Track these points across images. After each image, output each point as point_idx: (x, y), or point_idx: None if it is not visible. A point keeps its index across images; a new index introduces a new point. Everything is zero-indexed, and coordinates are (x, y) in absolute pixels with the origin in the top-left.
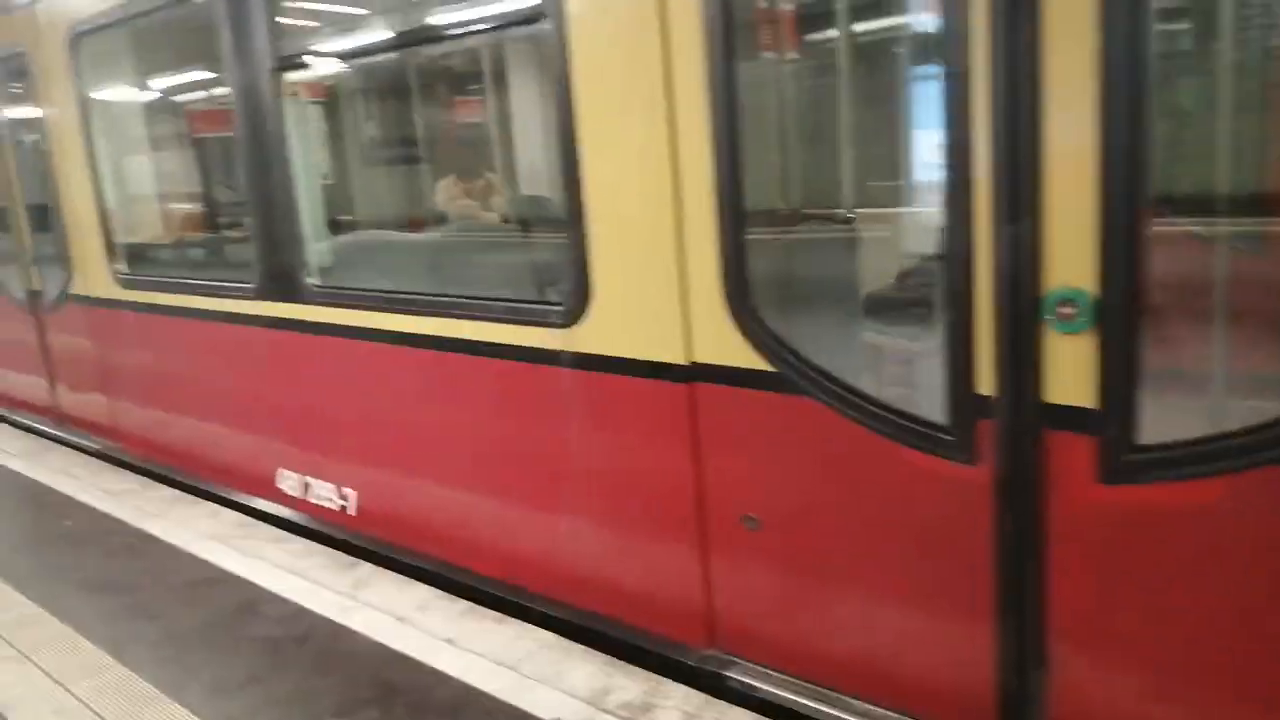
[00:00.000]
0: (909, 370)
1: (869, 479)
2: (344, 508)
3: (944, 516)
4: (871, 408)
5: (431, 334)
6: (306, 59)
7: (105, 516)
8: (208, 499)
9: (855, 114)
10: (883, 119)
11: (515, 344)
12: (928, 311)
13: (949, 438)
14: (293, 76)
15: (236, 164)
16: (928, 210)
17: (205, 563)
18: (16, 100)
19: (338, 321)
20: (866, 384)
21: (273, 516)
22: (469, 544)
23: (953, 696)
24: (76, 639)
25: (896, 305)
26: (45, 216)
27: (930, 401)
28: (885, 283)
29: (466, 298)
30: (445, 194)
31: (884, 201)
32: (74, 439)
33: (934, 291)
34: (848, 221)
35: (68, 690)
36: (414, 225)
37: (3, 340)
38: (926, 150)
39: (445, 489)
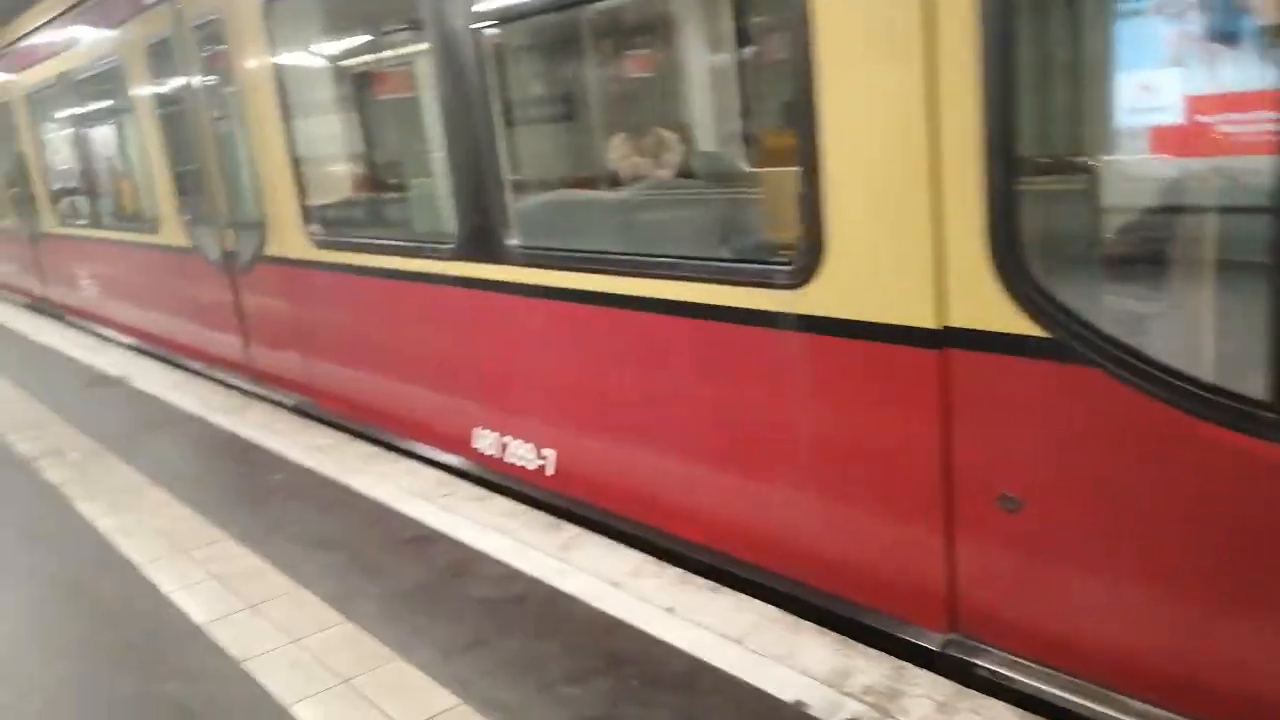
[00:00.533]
0: (1213, 337)
1: (1163, 460)
2: (542, 468)
3: (1260, 504)
4: (1173, 380)
5: (637, 295)
6: (507, 14)
7: (311, 472)
8: (405, 455)
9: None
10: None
11: (732, 305)
12: (1238, 271)
13: (1275, 415)
14: (491, 33)
15: (433, 124)
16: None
17: (414, 520)
18: (212, 67)
19: (538, 282)
20: (1156, 352)
21: (469, 474)
22: (677, 510)
23: (1267, 707)
24: (301, 593)
25: (1192, 263)
26: (237, 179)
27: (1248, 373)
28: (1172, 236)
29: (675, 257)
30: (616, 152)
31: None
32: (269, 395)
33: (1245, 247)
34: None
35: (299, 644)
36: (582, 185)
37: (199, 300)
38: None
39: (651, 453)
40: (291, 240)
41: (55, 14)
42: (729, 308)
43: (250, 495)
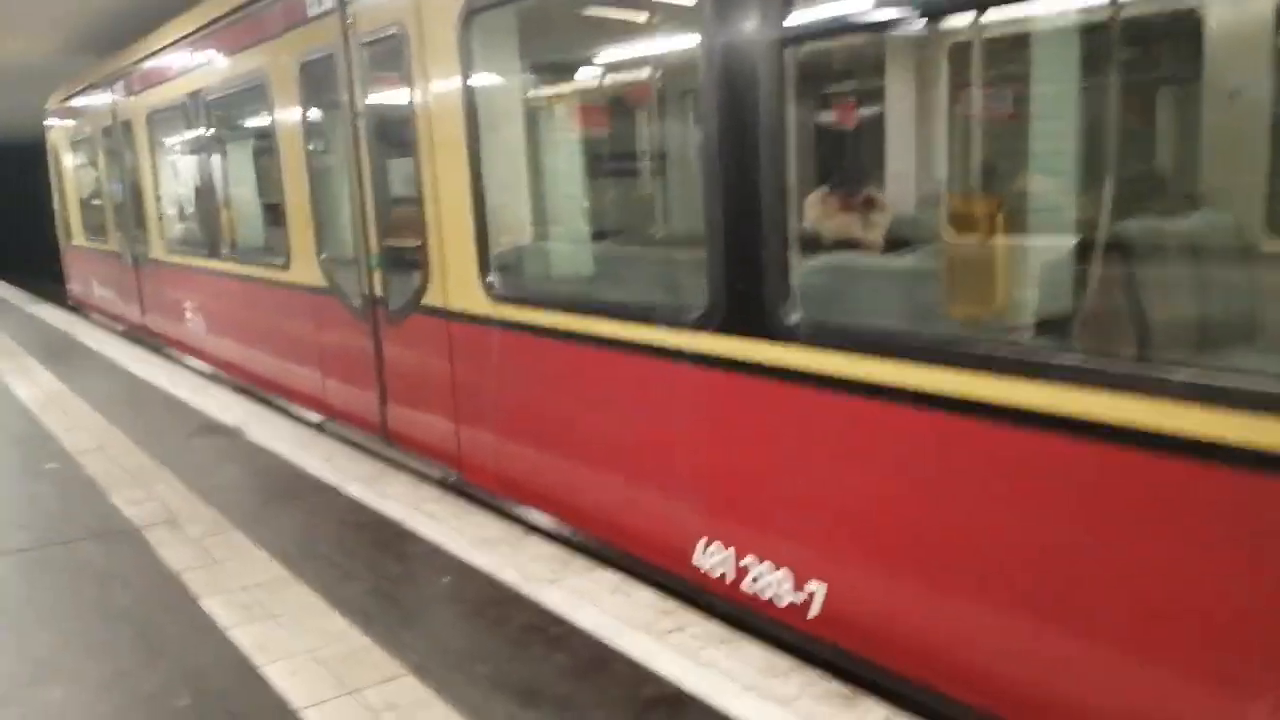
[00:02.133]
0: None
1: None
2: (801, 604)
3: None
4: None
5: (999, 402)
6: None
7: (486, 577)
8: (595, 561)
9: None
10: None
11: (1167, 430)
12: None
13: None
14: (795, 52)
15: (682, 159)
16: None
17: (645, 669)
18: (379, 87)
19: (823, 369)
20: None
21: (683, 594)
22: (1023, 695)
23: None
24: None
25: None
26: (387, 214)
27: None
28: None
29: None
30: (815, 210)
31: None
32: (405, 461)
33: None
34: None
35: None
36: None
37: (329, 347)
38: None
39: (988, 611)
40: (461, 291)
41: (193, 28)
42: (1162, 433)
43: (419, 606)
